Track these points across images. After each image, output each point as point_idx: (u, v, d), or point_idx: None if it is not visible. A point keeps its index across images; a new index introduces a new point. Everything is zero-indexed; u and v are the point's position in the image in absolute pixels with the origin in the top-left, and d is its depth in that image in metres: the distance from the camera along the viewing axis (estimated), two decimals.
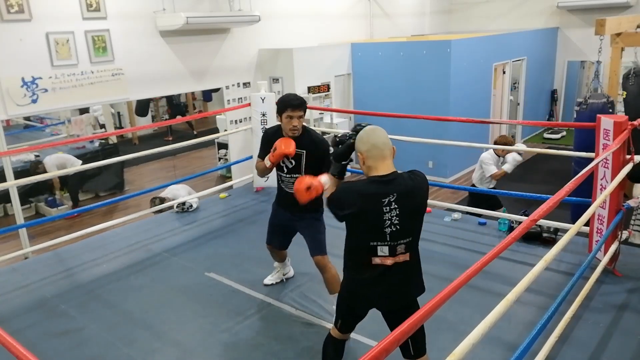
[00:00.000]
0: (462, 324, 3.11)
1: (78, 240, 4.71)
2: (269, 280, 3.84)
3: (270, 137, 3.26)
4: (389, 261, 2.20)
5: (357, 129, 2.34)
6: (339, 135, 2.48)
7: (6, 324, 3.31)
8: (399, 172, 2.23)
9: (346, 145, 2.38)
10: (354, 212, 2.17)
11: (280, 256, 3.72)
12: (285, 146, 3.06)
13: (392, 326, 2.37)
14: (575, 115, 5.70)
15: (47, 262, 4.39)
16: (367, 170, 2.24)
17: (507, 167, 5.23)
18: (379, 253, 2.19)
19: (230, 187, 6.25)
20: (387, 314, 2.41)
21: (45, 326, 3.40)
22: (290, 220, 3.38)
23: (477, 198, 5.35)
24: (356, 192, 2.19)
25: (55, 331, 3.34)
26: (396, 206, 2.14)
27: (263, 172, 3.36)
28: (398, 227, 2.15)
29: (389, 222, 2.14)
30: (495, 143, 5.28)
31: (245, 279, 3.89)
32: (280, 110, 3.11)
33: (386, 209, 2.14)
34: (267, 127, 5.51)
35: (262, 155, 3.30)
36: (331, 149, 2.59)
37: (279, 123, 3.23)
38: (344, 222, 2.27)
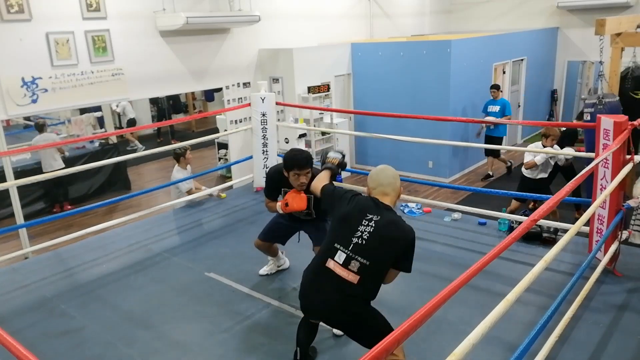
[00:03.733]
0: (462, 324, 3.11)
1: (78, 240, 4.71)
2: (264, 270, 3.95)
3: (275, 181, 3.38)
4: (338, 270, 2.34)
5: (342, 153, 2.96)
6: (329, 155, 2.97)
7: (6, 324, 3.31)
8: (396, 214, 2.44)
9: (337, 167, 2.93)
10: (341, 211, 2.45)
11: (272, 251, 3.83)
12: (298, 205, 3.22)
13: (352, 339, 2.52)
14: (588, 117, 5.66)
15: (47, 262, 4.39)
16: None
17: (538, 159, 5.60)
18: (335, 258, 2.36)
19: (230, 187, 6.25)
20: (336, 327, 2.65)
21: (45, 326, 3.40)
22: (299, 225, 3.57)
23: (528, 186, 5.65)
24: (354, 200, 2.49)
25: (55, 331, 3.34)
26: (374, 225, 2.35)
27: (272, 209, 3.48)
28: (364, 242, 2.33)
29: (360, 234, 2.34)
30: (542, 133, 5.66)
31: (245, 279, 3.89)
32: (287, 168, 3.16)
33: (365, 222, 2.36)
34: (267, 127, 5.53)
35: (270, 195, 3.45)
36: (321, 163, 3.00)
37: (280, 164, 3.35)
38: (331, 216, 2.55)
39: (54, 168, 7.39)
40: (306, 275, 2.53)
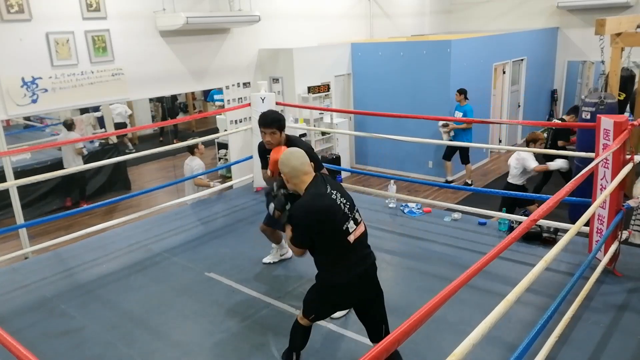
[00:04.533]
0: (462, 324, 3.11)
1: (78, 240, 4.71)
2: (267, 259, 4.10)
3: (262, 149, 3.55)
4: (359, 231, 2.51)
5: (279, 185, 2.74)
6: (271, 191, 2.83)
7: (6, 324, 3.31)
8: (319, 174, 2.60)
9: (280, 197, 2.71)
10: (317, 216, 2.43)
11: (276, 237, 3.98)
12: (275, 154, 3.26)
13: (366, 311, 2.61)
14: (588, 116, 5.67)
15: (47, 262, 4.39)
16: (295, 186, 2.56)
17: (553, 165, 5.61)
18: (350, 230, 2.47)
19: (230, 187, 6.25)
20: (364, 301, 2.60)
21: (45, 326, 3.40)
22: None
23: (511, 199, 5.51)
24: (307, 203, 2.47)
25: (55, 331, 3.34)
26: (333, 191, 2.50)
27: (268, 181, 3.53)
28: (347, 203, 2.52)
29: (342, 204, 2.49)
30: (526, 140, 5.65)
31: (245, 279, 3.89)
32: (259, 124, 3.37)
33: (334, 197, 2.48)
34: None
35: (264, 165, 3.58)
36: (272, 206, 2.80)
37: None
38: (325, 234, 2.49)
39: (72, 166, 7.51)
40: (337, 273, 2.51)
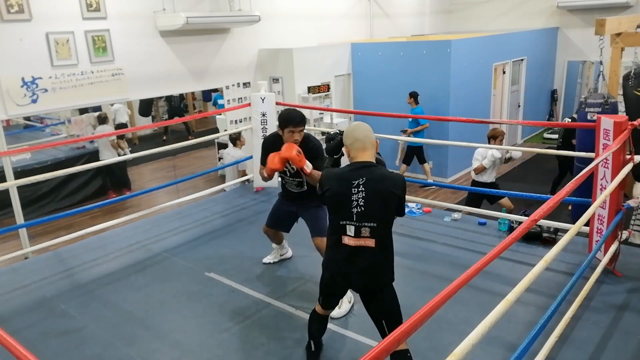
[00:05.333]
0: (462, 324, 3.12)
1: (78, 240, 4.71)
2: (267, 259, 4.12)
3: (269, 146, 3.45)
4: (353, 242, 2.43)
5: (342, 131, 2.70)
6: (330, 132, 2.91)
7: (6, 324, 3.31)
8: (379, 166, 2.50)
9: (336, 141, 2.77)
10: (329, 191, 2.47)
11: (278, 238, 4.00)
12: (287, 150, 3.19)
13: (367, 306, 2.62)
14: (594, 117, 5.65)
15: (47, 262, 4.39)
16: (351, 160, 2.53)
17: (485, 162, 5.51)
18: (347, 232, 2.43)
19: (230, 187, 6.25)
20: (361, 294, 2.64)
21: (45, 326, 3.40)
22: (296, 209, 3.67)
23: (476, 196, 5.62)
24: (333, 175, 2.53)
25: (55, 331, 3.34)
26: (363, 189, 2.39)
27: (265, 179, 3.51)
28: (363, 208, 2.39)
29: (356, 202, 2.39)
30: (489, 136, 5.60)
31: (245, 279, 3.89)
32: (282, 125, 3.30)
33: (354, 191, 2.39)
34: (267, 127, 5.54)
35: (263, 161, 3.48)
36: (324, 145, 2.94)
37: (277, 132, 3.44)
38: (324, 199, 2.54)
39: (108, 158, 8.08)
40: (330, 257, 2.60)
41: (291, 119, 3.27)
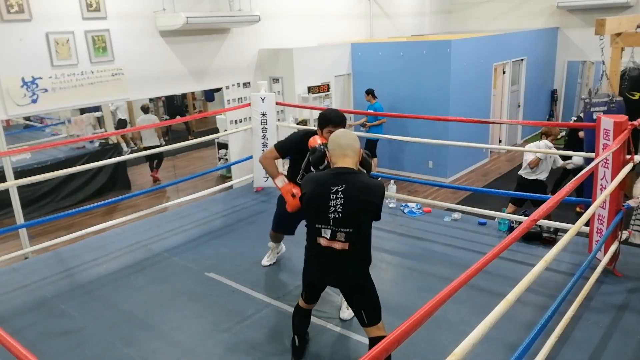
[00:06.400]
0: (462, 324, 3.11)
1: (78, 240, 4.71)
2: (266, 261, 4.13)
3: (296, 142, 3.45)
4: (328, 244, 2.50)
5: (325, 144, 2.84)
6: (315, 146, 3.03)
7: (6, 324, 3.31)
8: (360, 173, 2.54)
9: (319, 153, 2.88)
10: (307, 195, 2.53)
11: (280, 238, 4.07)
12: (290, 206, 3.36)
13: (347, 299, 2.75)
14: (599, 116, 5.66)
15: (47, 262, 4.38)
16: (332, 165, 2.59)
17: (540, 155, 5.51)
18: (323, 235, 2.50)
19: (231, 187, 6.25)
20: (340, 289, 2.78)
21: (45, 326, 3.40)
22: (298, 210, 3.63)
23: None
24: (312, 179, 2.58)
25: (55, 331, 3.34)
26: (342, 196, 2.43)
27: (267, 167, 3.52)
28: (340, 215, 2.43)
29: (333, 208, 2.44)
30: (544, 132, 5.68)
31: (245, 279, 3.89)
32: (322, 125, 3.31)
33: (332, 197, 2.44)
34: (267, 127, 5.54)
35: (282, 149, 3.50)
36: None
37: (310, 129, 3.53)
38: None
39: (152, 144, 8.99)
40: (307, 254, 2.69)
41: (332, 119, 3.28)
